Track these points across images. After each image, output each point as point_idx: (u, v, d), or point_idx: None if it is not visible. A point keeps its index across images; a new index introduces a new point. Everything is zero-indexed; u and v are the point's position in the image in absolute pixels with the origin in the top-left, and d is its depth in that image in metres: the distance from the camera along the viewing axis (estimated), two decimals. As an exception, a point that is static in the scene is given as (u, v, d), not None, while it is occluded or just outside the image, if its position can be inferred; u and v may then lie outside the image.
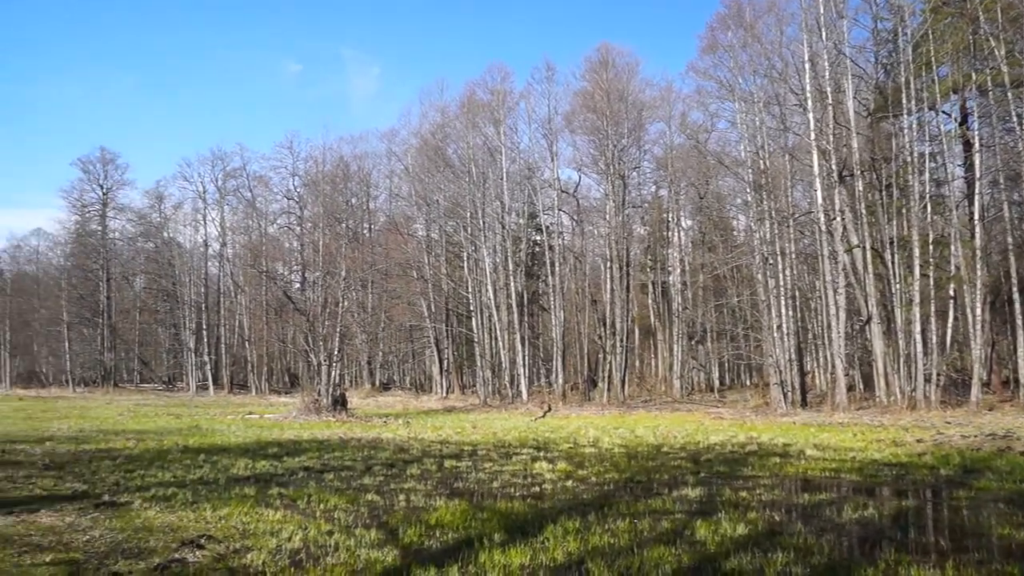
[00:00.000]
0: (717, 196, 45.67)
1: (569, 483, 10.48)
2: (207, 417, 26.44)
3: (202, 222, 64.84)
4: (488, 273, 43.15)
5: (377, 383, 54.83)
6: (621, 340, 39.03)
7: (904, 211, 27.39)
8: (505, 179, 43.71)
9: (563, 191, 45.46)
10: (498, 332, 43.23)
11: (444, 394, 45.77)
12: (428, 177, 48.01)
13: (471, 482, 10.70)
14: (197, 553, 6.45)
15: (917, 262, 25.92)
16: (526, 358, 42.21)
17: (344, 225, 56.77)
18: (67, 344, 61.52)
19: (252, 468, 12.09)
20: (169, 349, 69.05)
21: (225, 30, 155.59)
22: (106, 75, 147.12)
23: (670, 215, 47.63)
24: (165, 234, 68.73)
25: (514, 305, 42.66)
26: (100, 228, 66.81)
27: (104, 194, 66.24)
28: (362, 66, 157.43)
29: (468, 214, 44.73)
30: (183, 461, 12.91)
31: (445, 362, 47.85)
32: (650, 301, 49.68)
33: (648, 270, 49.05)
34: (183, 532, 7.31)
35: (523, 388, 40.71)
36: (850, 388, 30.04)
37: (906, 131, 27.75)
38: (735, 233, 48.14)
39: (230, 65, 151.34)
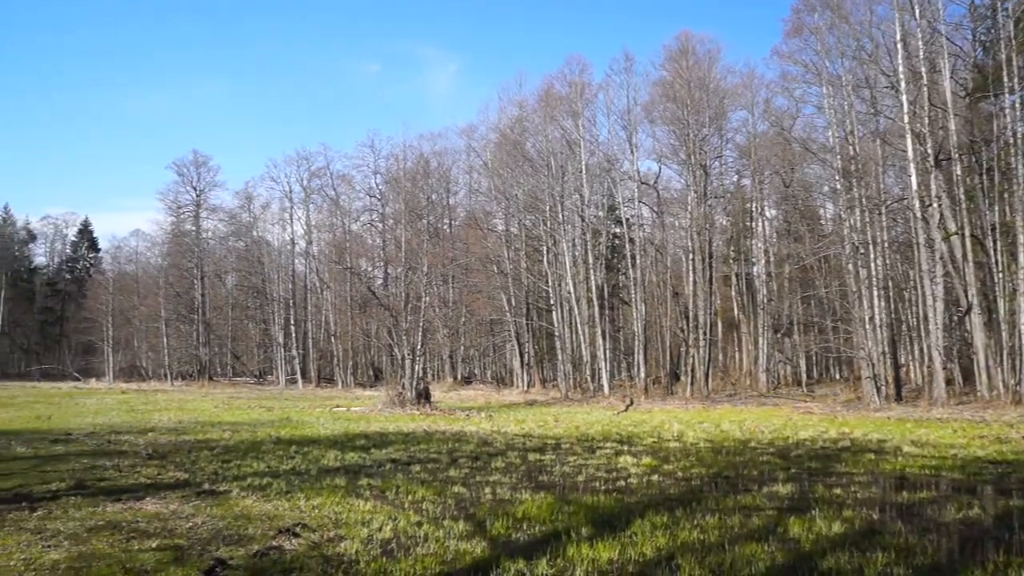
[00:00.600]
0: (803, 184, 44.31)
1: (655, 477, 10.37)
2: (296, 410, 27.27)
3: (289, 221, 66.70)
4: (568, 267, 43.04)
5: (459, 377, 55.43)
6: (704, 333, 38.34)
7: (1006, 195, 26.01)
8: (584, 172, 43.47)
9: (643, 183, 44.92)
10: (579, 326, 43.10)
11: (525, 388, 45.92)
12: (507, 172, 48.18)
13: (556, 475, 10.70)
14: (293, 541, 6.67)
15: (1021, 249, 24.57)
16: (607, 352, 41.95)
17: (425, 221, 57.51)
18: (165, 340, 64.34)
19: (341, 459, 12.40)
20: (259, 344, 71.47)
21: (305, 35, 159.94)
22: (196, 82, 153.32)
23: (754, 205, 46.46)
24: (254, 233, 71.14)
25: (594, 298, 42.45)
26: (194, 228, 69.60)
27: (197, 195, 68.97)
28: (440, 64, 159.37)
29: (547, 208, 44.68)
30: (276, 452, 13.34)
31: (526, 356, 48.01)
32: (733, 293, 48.68)
33: (731, 261, 48.05)
34: (279, 520, 7.57)
35: (604, 382, 40.50)
36: (948, 382, 28.71)
37: (1008, 111, 26.30)
38: (822, 222, 46.63)
39: (311, 68, 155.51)
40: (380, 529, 7.11)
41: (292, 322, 61.95)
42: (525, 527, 7.24)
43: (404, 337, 29.47)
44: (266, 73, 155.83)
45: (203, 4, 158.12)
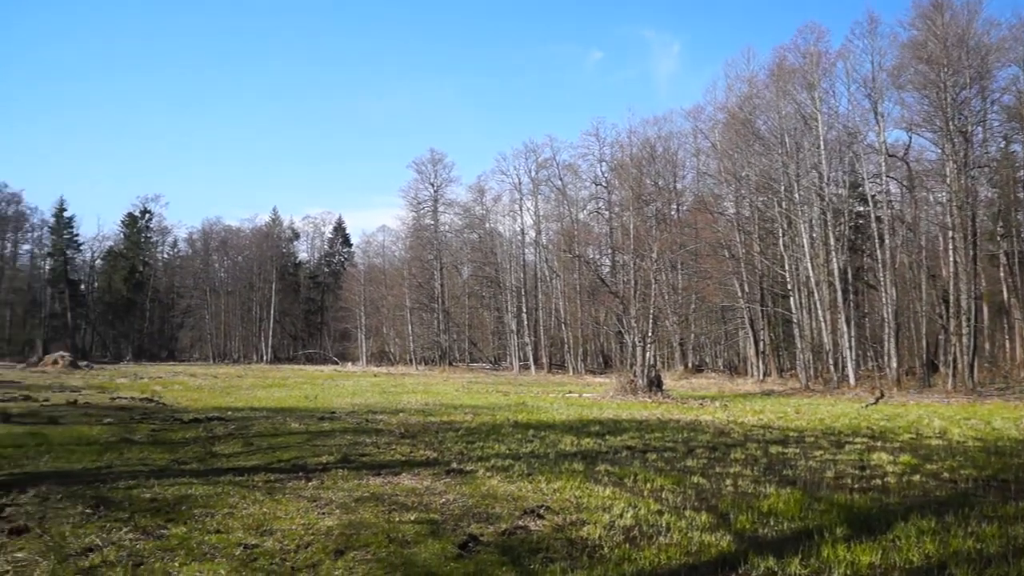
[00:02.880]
0: (1092, 147, 38.34)
1: (916, 477, 9.49)
2: (531, 395, 28.16)
3: (519, 212, 69.02)
4: (806, 249, 40.59)
5: (689, 365, 54.36)
6: (967, 319, 34.45)
7: None
8: (822, 147, 40.68)
9: (891, 155, 41.17)
10: (819, 312, 40.51)
11: (760, 377, 44.05)
12: (736, 152, 46.34)
13: (801, 470, 10.13)
14: (538, 522, 6.88)
15: None
16: (851, 339, 39.08)
17: (652, 207, 56.91)
18: (409, 327, 69.39)
19: (577, 445, 12.60)
20: (494, 331, 74.77)
21: (530, 29, 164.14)
22: (429, 82, 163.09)
23: (1027, 173, 40.99)
24: (487, 225, 74.48)
25: (836, 282, 39.65)
26: (432, 222, 74.23)
27: (435, 191, 73.48)
28: (662, 46, 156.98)
29: (781, 188, 42.40)
30: (515, 435, 13.85)
31: (761, 344, 46.00)
32: (1002, 274, 43.32)
33: (998, 239, 42.76)
34: (523, 502, 7.84)
35: (850, 372, 37.76)
36: None
37: None
38: (1119, 190, 40.09)
39: (537, 61, 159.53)
40: (621, 516, 7.13)
41: (524, 310, 64.07)
42: (772, 523, 6.92)
43: (634, 324, 29.39)
44: (493, 70, 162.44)
45: (432, 7, 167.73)
